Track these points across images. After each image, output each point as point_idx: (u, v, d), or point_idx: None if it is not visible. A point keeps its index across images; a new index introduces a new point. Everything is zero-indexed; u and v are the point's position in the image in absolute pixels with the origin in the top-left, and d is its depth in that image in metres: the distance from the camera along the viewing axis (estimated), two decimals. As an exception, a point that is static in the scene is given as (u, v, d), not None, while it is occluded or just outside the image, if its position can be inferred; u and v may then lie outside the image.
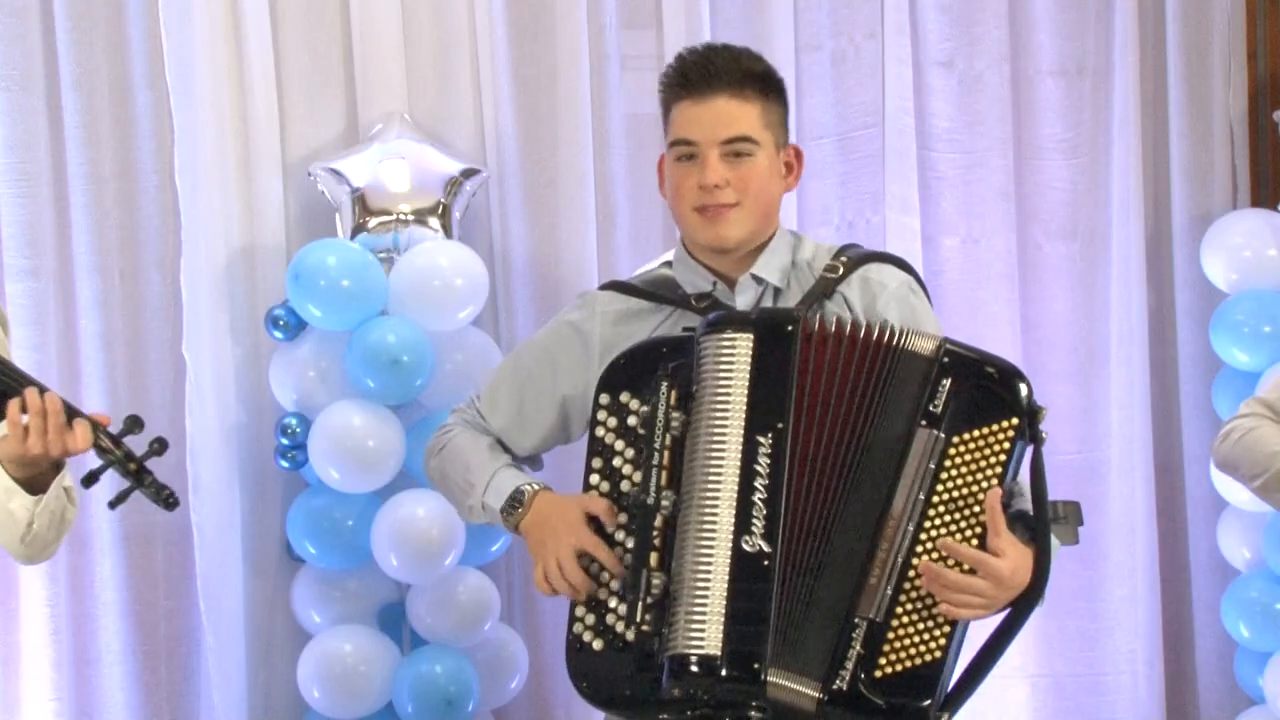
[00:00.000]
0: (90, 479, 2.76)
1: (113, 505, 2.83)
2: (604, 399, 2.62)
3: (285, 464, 4.28)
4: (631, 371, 2.62)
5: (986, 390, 2.56)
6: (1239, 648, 4.81)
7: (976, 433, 2.54)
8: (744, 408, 2.50)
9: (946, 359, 2.56)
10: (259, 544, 4.37)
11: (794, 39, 4.75)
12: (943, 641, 2.50)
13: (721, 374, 2.52)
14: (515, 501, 2.71)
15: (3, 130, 4.27)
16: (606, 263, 4.55)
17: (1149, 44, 4.97)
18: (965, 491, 2.53)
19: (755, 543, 2.46)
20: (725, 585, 2.44)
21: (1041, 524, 2.59)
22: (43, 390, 2.75)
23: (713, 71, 2.68)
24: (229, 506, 4.31)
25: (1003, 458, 2.56)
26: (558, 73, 4.54)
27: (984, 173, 4.86)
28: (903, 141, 4.81)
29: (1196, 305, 4.94)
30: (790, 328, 2.54)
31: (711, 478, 2.48)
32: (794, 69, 4.74)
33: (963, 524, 2.52)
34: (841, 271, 2.74)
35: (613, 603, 2.57)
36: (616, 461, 2.60)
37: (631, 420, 2.59)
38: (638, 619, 2.48)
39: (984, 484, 2.54)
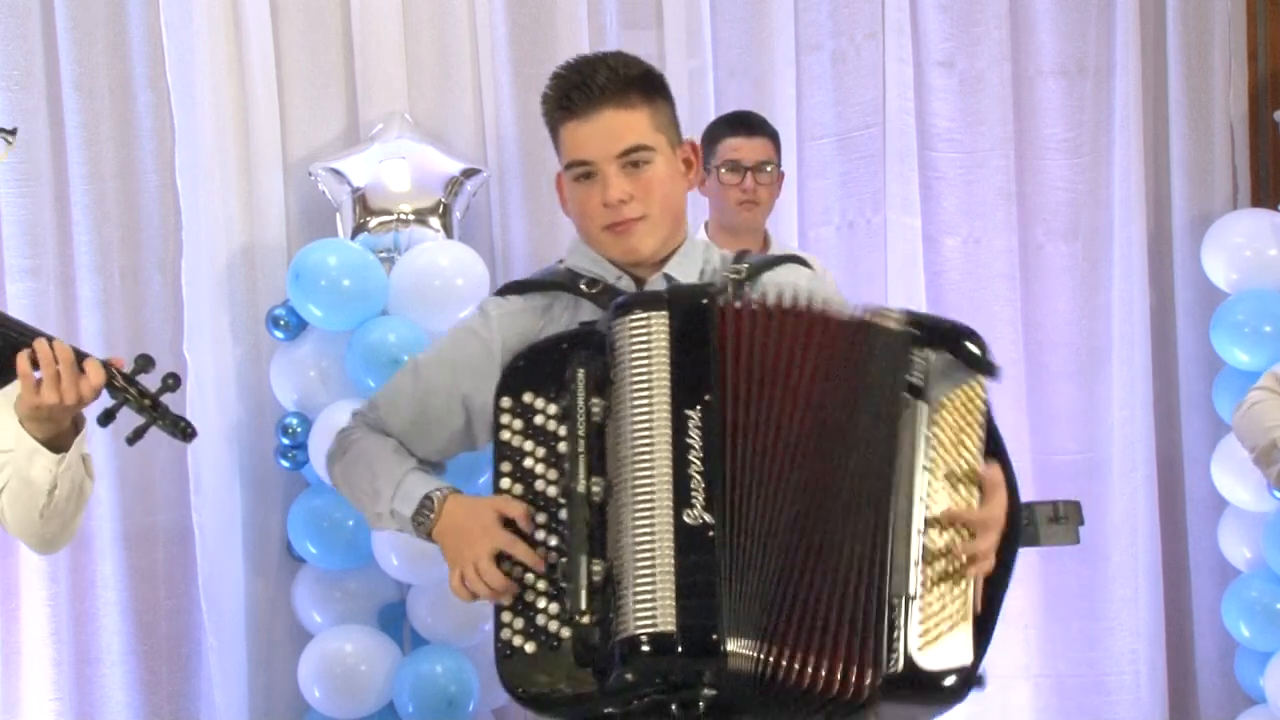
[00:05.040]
0: (107, 417, 2.73)
1: (131, 441, 2.79)
2: (505, 402, 2.55)
3: (286, 464, 4.28)
4: (531, 371, 2.55)
5: (955, 353, 2.55)
6: (1239, 647, 4.81)
7: (953, 395, 2.54)
8: (666, 384, 2.45)
9: (919, 331, 2.54)
10: (260, 544, 4.37)
11: (794, 39, 4.75)
12: (963, 603, 2.51)
13: (638, 353, 2.46)
14: (425, 508, 2.61)
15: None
16: (607, 262, 4.55)
17: (1149, 44, 4.97)
18: (954, 454, 2.53)
19: (697, 515, 2.41)
20: (671, 561, 2.38)
21: (1003, 459, 2.59)
22: (50, 339, 2.72)
23: (594, 86, 2.61)
24: (230, 506, 4.31)
25: (980, 416, 2.55)
26: (558, 73, 4.54)
27: (985, 173, 4.86)
28: (903, 141, 4.81)
29: (1197, 305, 4.94)
30: (705, 301, 2.50)
31: (642, 457, 2.43)
32: (794, 69, 4.75)
33: (960, 487, 2.52)
34: (745, 273, 2.72)
35: (541, 603, 2.49)
36: (527, 463, 2.53)
37: (539, 419, 2.52)
38: (582, 607, 2.40)
39: (969, 442, 2.54)
